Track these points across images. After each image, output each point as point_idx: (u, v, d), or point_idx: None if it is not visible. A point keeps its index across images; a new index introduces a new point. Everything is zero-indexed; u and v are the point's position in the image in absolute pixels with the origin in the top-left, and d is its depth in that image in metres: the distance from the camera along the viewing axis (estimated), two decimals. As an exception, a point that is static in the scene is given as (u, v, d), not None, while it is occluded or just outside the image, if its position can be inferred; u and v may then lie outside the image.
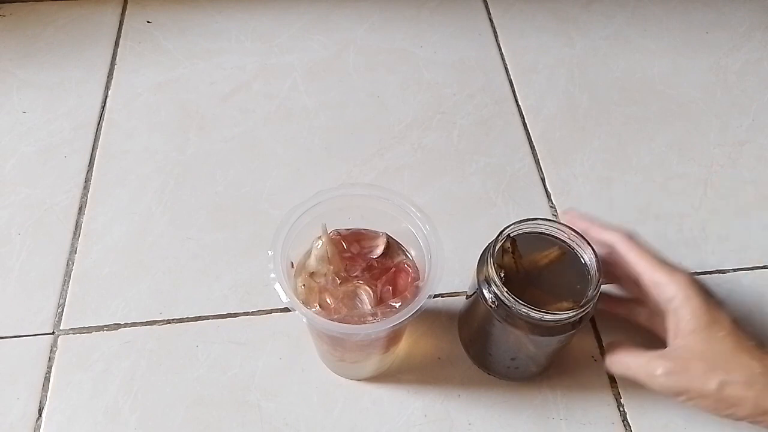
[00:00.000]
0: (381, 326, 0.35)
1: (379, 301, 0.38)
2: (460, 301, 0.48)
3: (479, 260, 0.40)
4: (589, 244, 0.39)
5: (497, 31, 0.68)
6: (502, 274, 0.38)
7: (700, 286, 0.38)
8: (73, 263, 0.50)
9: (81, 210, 0.53)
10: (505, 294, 0.36)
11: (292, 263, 0.40)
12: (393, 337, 0.40)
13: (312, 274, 0.39)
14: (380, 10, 0.70)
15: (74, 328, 0.47)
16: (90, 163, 0.56)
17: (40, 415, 0.43)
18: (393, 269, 0.40)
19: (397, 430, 0.43)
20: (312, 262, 0.40)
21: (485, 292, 0.38)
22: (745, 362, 0.35)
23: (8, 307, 0.48)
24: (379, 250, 0.40)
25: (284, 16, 0.69)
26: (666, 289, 0.38)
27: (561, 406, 0.44)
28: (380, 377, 0.45)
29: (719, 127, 0.61)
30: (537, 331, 0.38)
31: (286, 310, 0.40)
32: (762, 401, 0.35)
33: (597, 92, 0.63)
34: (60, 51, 0.65)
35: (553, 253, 0.40)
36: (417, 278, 0.39)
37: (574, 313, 0.36)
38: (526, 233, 0.40)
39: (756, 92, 0.64)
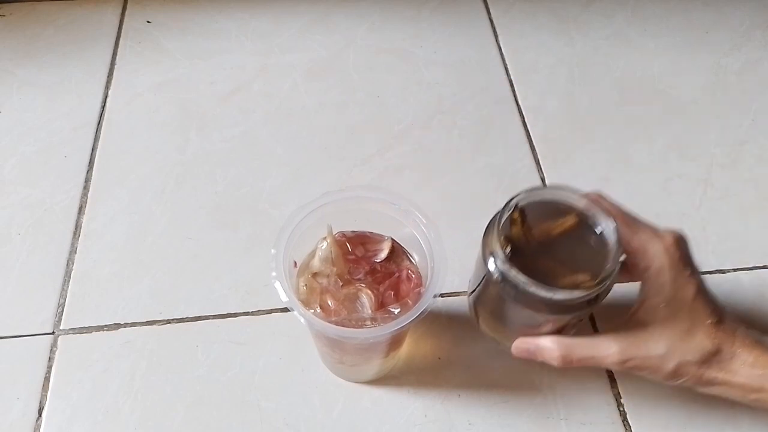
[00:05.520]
0: (378, 332, 0.35)
1: (380, 305, 0.38)
2: (460, 302, 0.48)
3: (485, 233, 0.36)
4: (608, 212, 0.35)
5: (497, 31, 0.68)
6: (508, 250, 0.34)
7: (676, 253, 0.36)
8: (73, 263, 0.50)
9: (81, 210, 0.53)
10: (512, 271, 0.33)
11: (295, 262, 0.40)
12: (393, 342, 0.40)
13: (315, 275, 0.39)
14: (380, 10, 0.70)
15: (74, 328, 0.47)
16: (90, 163, 0.56)
17: (40, 415, 0.43)
18: (396, 274, 0.40)
19: (397, 430, 0.43)
20: (316, 263, 0.40)
21: (491, 268, 0.35)
22: (700, 342, 0.35)
23: (8, 307, 0.48)
24: (384, 254, 0.40)
25: (284, 16, 0.69)
26: (642, 258, 0.36)
27: (561, 406, 0.44)
28: (380, 377, 0.45)
29: (719, 127, 0.61)
30: (550, 310, 0.34)
31: (287, 310, 0.40)
32: (709, 375, 0.36)
33: (597, 92, 0.63)
34: (60, 51, 0.65)
35: (568, 221, 0.36)
36: (419, 284, 0.39)
37: (589, 292, 0.33)
38: (536, 202, 0.36)
39: (756, 92, 0.64)
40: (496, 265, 0.34)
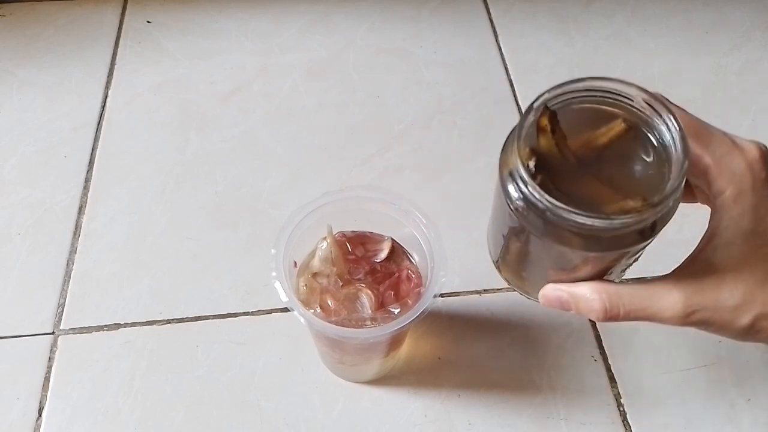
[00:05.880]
0: (378, 332, 0.35)
1: (380, 305, 0.38)
2: (460, 301, 0.48)
3: (503, 147, 0.28)
4: (670, 110, 0.27)
5: (497, 31, 0.68)
6: (533, 165, 0.26)
7: (762, 171, 0.28)
8: (73, 263, 0.50)
9: (81, 210, 0.53)
10: (537, 193, 0.25)
11: (295, 262, 0.40)
12: (393, 342, 0.40)
13: (315, 275, 0.39)
14: (380, 10, 0.70)
15: (74, 328, 0.47)
16: (90, 163, 0.56)
17: (40, 415, 0.43)
18: (396, 274, 0.40)
19: (397, 430, 0.43)
20: (316, 263, 0.40)
21: (511, 191, 0.27)
22: None
23: (8, 307, 0.48)
24: (384, 254, 0.40)
25: (284, 16, 0.69)
26: (716, 179, 0.28)
27: (561, 406, 0.44)
28: (380, 377, 0.45)
29: (719, 127, 0.61)
30: (589, 244, 0.26)
31: (287, 310, 0.40)
32: None
33: (597, 92, 0.63)
34: (60, 51, 0.65)
35: (616, 127, 0.27)
36: (419, 284, 0.39)
37: (641, 217, 0.25)
38: (573, 101, 0.28)
39: (756, 92, 0.64)
40: (517, 186, 0.26)
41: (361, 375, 0.45)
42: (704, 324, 0.28)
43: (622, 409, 0.44)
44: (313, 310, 0.37)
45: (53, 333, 0.47)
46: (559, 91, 0.27)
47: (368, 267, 0.40)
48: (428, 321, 0.47)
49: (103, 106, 0.60)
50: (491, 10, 0.70)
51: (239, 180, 0.55)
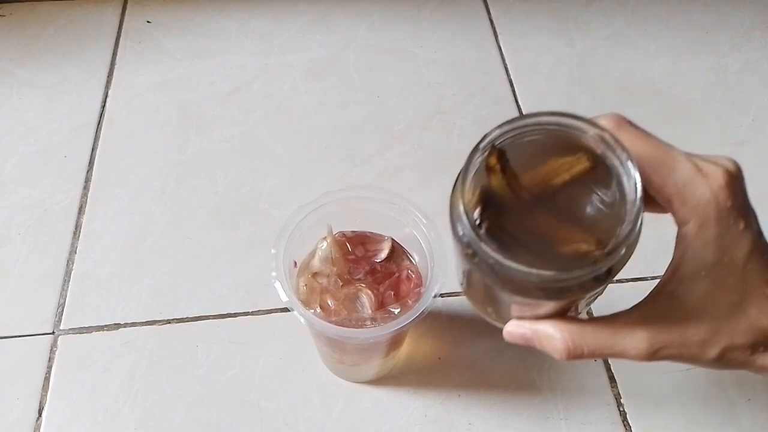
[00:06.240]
0: (378, 332, 0.35)
1: (380, 305, 0.38)
2: (460, 301, 0.48)
3: (454, 185, 0.26)
4: (623, 147, 0.24)
5: (497, 31, 0.68)
6: (477, 213, 0.24)
7: (727, 199, 0.26)
8: (73, 263, 0.50)
9: (81, 210, 0.53)
10: (480, 242, 0.24)
11: (295, 262, 0.40)
12: (393, 342, 0.40)
13: (315, 275, 0.39)
14: (380, 10, 0.70)
15: (74, 328, 0.47)
16: (90, 163, 0.56)
17: (40, 415, 0.43)
18: (396, 274, 0.40)
19: (397, 430, 0.43)
20: (316, 263, 0.40)
21: (461, 236, 0.25)
22: (753, 319, 0.27)
23: (8, 307, 0.48)
24: (384, 254, 0.40)
25: (284, 16, 0.69)
26: (680, 208, 0.26)
27: (561, 406, 0.44)
28: (380, 377, 0.45)
29: (719, 127, 0.61)
30: (543, 294, 0.25)
31: (287, 310, 0.40)
32: (764, 362, 0.27)
33: (597, 92, 0.63)
34: (60, 51, 0.65)
35: (570, 163, 0.25)
36: (419, 284, 0.39)
37: (593, 267, 0.23)
38: (524, 136, 0.26)
39: (756, 92, 0.64)
40: (465, 234, 0.25)
41: (361, 375, 0.45)
42: (672, 359, 0.28)
43: (622, 409, 0.44)
44: (313, 310, 0.37)
45: (53, 333, 0.47)
46: (507, 128, 0.26)
47: (368, 267, 0.40)
48: (428, 321, 0.47)
49: (103, 106, 0.60)
50: (491, 10, 0.70)
51: (239, 180, 0.55)
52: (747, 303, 0.26)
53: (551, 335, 0.28)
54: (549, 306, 0.27)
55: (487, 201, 0.25)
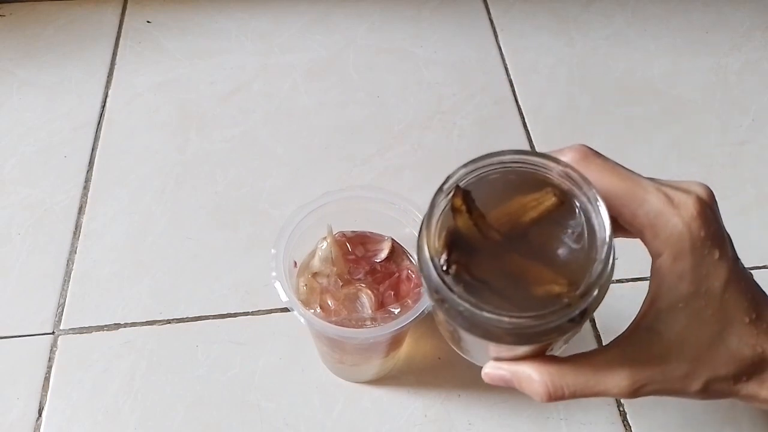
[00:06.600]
0: (378, 332, 0.35)
1: (380, 305, 0.38)
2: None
3: (420, 227, 0.25)
4: (590, 185, 0.24)
5: (497, 31, 0.68)
6: (443, 263, 0.24)
7: (701, 229, 0.25)
8: (73, 263, 0.50)
9: (81, 210, 0.53)
10: (447, 290, 0.23)
11: (295, 262, 0.40)
12: (393, 342, 0.40)
13: (315, 275, 0.39)
14: (380, 10, 0.70)
15: (74, 328, 0.47)
16: (90, 163, 0.56)
17: (40, 415, 0.43)
18: (396, 274, 0.40)
19: (397, 430, 0.43)
20: (316, 263, 0.40)
21: (430, 281, 0.24)
22: (734, 350, 0.26)
23: (8, 307, 0.48)
24: (384, 254, 0.40)
25: (284, 16, 0.69)
26: (652, 240, 0.25)
27: (561, 406, 0.44)
28: (380, 377, 0.45)
29: (719, 127, 0.61)
30: (516, 340, 0.24)
31: (287, 310, 0.40)
32: (748, 391, 0.27)
33: (597, 92, 0.63)
34: (60, 51, 0.65)
35: (537, 201, 0.25)
36: (419, 284, 0.39)
37: (566, 311, 0.23)
38: (489, 174, 0.25)
39: (756, 92, 0.64)
40: (431, 278, 0.24)
41: (361, 375, 0.45)
42: (656, 394, 0.27)
43: (622, 409, 0.44)
44: (313, 310, 0.37)
45: (53, 333, 0.47)
46: (471, 167, 0.25)
47: (368, 267, 0.40)
48: (428, 321, 0.47)
49: (103, 106, 0.60)
50: (491, 10, 0.70)
51: (239, 180, 0.55)
52: (727, 333, 0.26)
53: (530, 377, 0.27)
54: (526, 348, 0.27)
55: (455, 243, 0.24)
